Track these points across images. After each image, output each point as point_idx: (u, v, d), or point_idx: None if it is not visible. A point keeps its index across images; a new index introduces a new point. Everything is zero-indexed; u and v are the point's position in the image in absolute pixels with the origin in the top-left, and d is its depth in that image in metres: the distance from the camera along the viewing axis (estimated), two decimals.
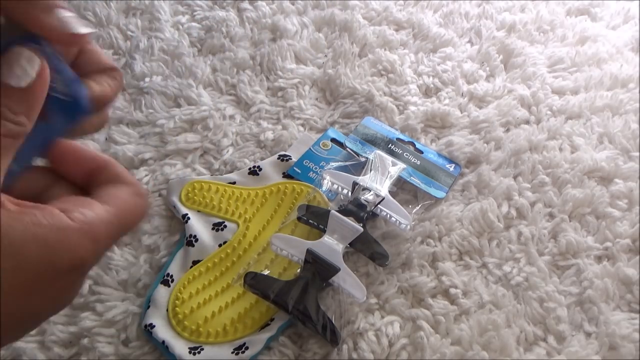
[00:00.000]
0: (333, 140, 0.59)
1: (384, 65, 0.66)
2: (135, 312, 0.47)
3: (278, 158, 0.57)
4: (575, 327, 0.46)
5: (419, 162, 0.57)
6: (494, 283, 0.48)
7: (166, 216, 0.54)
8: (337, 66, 0.66)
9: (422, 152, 0.58)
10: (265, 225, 0.52)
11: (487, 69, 0.66)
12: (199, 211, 0.53)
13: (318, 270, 0.45)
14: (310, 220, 0.50)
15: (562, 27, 0.71)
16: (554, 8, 0.74)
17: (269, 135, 0.60)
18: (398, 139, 0.59)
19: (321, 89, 0.65)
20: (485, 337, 0.44)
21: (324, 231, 0.48)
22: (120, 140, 0.59)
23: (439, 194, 0.54)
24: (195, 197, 0.53)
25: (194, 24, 0.72)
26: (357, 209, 0.50)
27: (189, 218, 0.52)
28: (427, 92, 0.65)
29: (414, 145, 0.59)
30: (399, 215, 0.51)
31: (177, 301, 0.46)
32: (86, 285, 0.48)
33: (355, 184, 0.52)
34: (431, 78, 0.66)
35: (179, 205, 0.53)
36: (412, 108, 0.62)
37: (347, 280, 0.45)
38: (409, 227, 0.51)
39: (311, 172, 0.56)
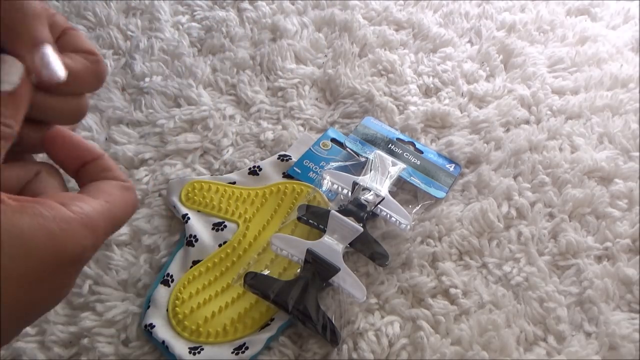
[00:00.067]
0: (333, 140, 0.59)
1: (384, 65, 0.66)
2: (135, 312, 0.47)
3: (278, 158, 0.57)
4: (575, 327, 0.46)
5: (419, 162, 0.57)
6: (494, 283, 0.48)
7: (166, 216, 0.54)
8: (337, 66, 0.66)
9: (422, 152, 0.58)
10: (265, 225, 0.52)
11: (487, 69, 0.66)
12: (199, 211, 0.53)
13: (318, 270, 0.45)
14: (310, 220, 0.50)
15: (562, 27, 0.71)
16: (554, 8, 0.74)
17: (269, 135, 0.60)
18: (398, 139, 0.59)
19: (321, 89, 0.65)
20: (485, 337, 0.44)
21: (324, 231, 0.48)
22: (120, 140, 0.59)
23: (439, 194, 0.54)
24: (195, 197, 0.53)
25: (194, 24, 0.72)
26: (357, 209, 0.50)
27: (189, 218, 0.52)
28: (427, 92, 0.65)
29: (414, 145, 0.59)
30: (399, 215, 0.51)
31: (177, 301, 0.46)
32: (86, 285, 0.48)
33: (355, 184, 0.52)
34: (431, 78, 0.66)
35: (179, 205, 0.53)
36: (412, 108, 0.62)
37: (347, 280, 0.45)
38: (409, 227, 0.51)
39: (311, 172, 0.56)
